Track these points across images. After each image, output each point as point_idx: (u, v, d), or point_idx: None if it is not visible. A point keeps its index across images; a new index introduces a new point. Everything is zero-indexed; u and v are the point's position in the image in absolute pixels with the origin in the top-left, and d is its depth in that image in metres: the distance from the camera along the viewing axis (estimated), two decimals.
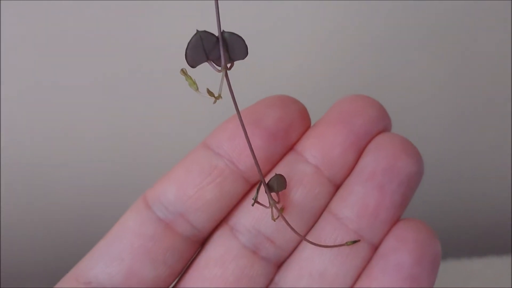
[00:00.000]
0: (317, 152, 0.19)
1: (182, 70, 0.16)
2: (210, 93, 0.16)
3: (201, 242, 0.20)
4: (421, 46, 0.37)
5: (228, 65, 0.16)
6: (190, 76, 0.16)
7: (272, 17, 0.34)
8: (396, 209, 0.18)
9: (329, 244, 0.18)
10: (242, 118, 0.18)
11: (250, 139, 0.18)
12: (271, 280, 0.19)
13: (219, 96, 0.16)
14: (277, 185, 0.18)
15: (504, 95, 0.38)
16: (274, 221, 0.18)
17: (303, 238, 0.18)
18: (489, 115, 0.39)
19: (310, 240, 0.18)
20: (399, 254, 0.18)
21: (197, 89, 0.16)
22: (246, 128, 0.17)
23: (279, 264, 0.19)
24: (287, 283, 0.19)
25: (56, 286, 0.19)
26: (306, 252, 0.19)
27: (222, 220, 0.20)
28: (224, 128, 0.19)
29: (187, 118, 0.36)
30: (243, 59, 0.16)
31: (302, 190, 0.19)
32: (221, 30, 0.15)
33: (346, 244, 0.18)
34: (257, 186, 0.18)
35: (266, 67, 0.35)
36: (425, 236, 0.18)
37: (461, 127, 0.40)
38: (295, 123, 0.19)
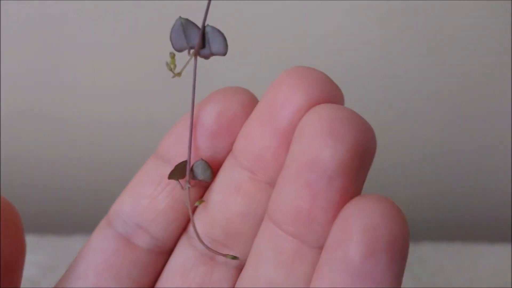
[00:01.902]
0: (249, 156, 0.18)
1: (170, 53, 0.18)
2: (169, 67, 0.17)
3: (166, 254, 0.20)
4: (425, 49, 0.37)
5: (204, 55, 0.18)
6: (174, 60, 0.18)
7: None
8: (336, 207, 0.15)
9: (270, 255, 0.17)
10: (191, 117, 0.18)
11: (195, 140, 0.18)
12: (234, 284, 0.19)
13: (178, 74, 0.17)
14: (201, 172, 0.18)
15: (504, 94, 0.39)
16: (188, 208, 0.18)
17: (204, 244, 0.18)
18: (490, 112, 0.40)
19: (256, 248, 0.18)
20: (346, 248, 0.15)
21: (171, 69, 0.17)
22: (192, 127, 0.18)
23: (240, 268, 0.19)
24: None
25: None
26: (252, 260, 0.18)
27: (183, 230, 0.19)
28: (170, 134, 0.19)
29: None
30: (223, 55, 0.18)
31: (242, 200, 0.18)
32: (205, 24, 0.17)
33: (227, 257, 0.18)
34: (182, 164, 0.18)
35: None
36: (378, 219, 0.14)
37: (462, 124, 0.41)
38: (239, 116, 0.18)
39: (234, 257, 0.18)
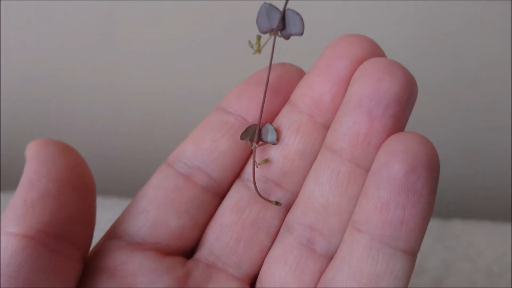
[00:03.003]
0: (308, 101, 0.20)
1: (257, 35, 0.20)
2: (251, 45, 0.19)
3: (220, 196, 0.21)
4: (426, 45, 0.38)
5: (284, 35, 0.20)
6: (259, 41, 0.20)
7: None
8: (388, 132, 0.18)
9: (326, 178, 0.19)
10: (252, 81, 0.20)
11: (259, 95, 0.20)
12: (283, 220, 0.20)
13: (258, 51, 0.19)
14: (269, 134, 0.20)
15: (505, 91, 0.40)
16: (253, 165, 0.20)
17: (260, 196, 0.20)
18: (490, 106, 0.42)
19: (313, 175, 0.20)
20: (390, 166, 0.17)
21: (256, 49, 0.20)
22: (252, 87, 0.20)
23: (289, 207, 0.21)
24: (295, 221, 0.20)
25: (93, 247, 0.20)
26: (307, 188, 0.20)
27: (237, 176, 0.21)
28: (232, 91, 0.21)
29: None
30: (300, 35, 0.20)
31: (300, 139, 0.20)
32: (286, 8, 0.19)
33: (272, 203, 0.20)
34: (253, 127, 0.20)
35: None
36: (416, 144, 0.17)
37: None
38: (294, 80, 0.21)
39: (277, 203, 0.20)
